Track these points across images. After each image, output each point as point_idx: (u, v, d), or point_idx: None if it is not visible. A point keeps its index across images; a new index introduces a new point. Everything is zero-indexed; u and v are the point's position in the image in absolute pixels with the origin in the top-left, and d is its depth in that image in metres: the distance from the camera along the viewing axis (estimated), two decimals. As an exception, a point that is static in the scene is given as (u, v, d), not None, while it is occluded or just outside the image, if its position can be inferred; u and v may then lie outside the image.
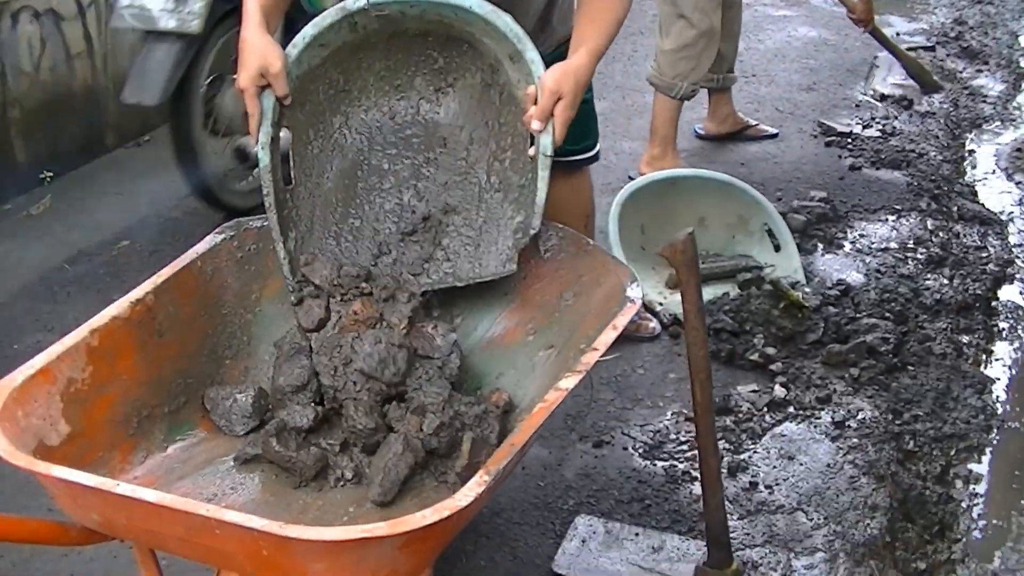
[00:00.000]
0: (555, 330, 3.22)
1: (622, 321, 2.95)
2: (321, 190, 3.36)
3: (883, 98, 7.69)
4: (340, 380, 3.11)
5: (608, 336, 2.90)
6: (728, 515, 3.56)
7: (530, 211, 3.21)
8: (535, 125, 3.11)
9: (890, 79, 7.44)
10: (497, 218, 3.32)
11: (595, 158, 4.17)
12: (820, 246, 5.71)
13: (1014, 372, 5.13)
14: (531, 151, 3.18)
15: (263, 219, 3.36)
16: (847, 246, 5.74)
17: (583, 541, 3.66)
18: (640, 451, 4.19)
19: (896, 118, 7.43)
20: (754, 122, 7.14)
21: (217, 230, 3.34)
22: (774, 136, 7.07)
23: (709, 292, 5.05)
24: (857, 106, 7.66)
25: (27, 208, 6.05)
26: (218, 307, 3.28)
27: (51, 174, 6.34)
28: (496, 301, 3.37)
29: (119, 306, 3.02)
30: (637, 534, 3.71)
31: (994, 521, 4.22)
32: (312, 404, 3.13)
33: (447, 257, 3.36)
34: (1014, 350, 5.30)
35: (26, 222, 5.95)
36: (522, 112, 3.18)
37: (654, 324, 4.94)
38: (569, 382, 2.76)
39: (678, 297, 4.92)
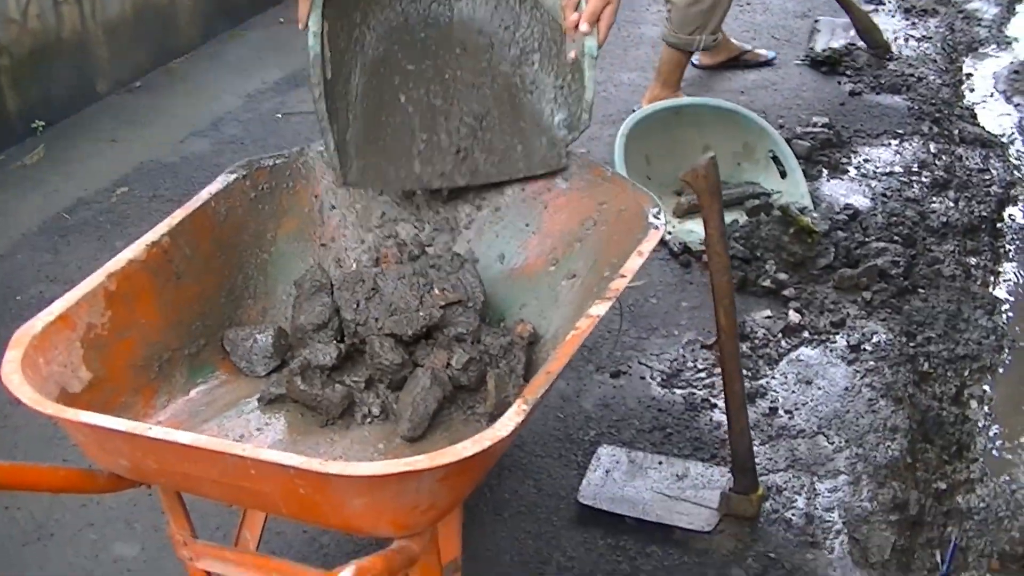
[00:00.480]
0: (577, 259, 3.20)
1: (647, 247, 2.92)
2: (351, 87, 3.35)
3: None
4: (363, 315, 3.10)
5: (635, 263, 2.87)
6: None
7: (576, 107, 3.22)
8: (583, 27, 3.12)
9: (833, 42, 7.23)
10: (536, 118, 3.31)
11: None
12: (825, 172, 5.67)
13: (1021, 291, 5.11)
14: (571, 55, 3.19)
15: (275, 157, 3.37)
16: (852, 171, 5.70)
17: (607, 471, 3.65)
18: (658, 380, 4.18)
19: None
20: (749, 47, 7.09)
21: (229, 169, 3.30)
22: (771, 62, 7.02)
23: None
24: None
25: (20, 159, 5.99)
26: (234, 248, 3.25)
27: (43, 123, 6.28)
28: (517, 231, 3.35)
29: (135, 249, 2.97)
30: (660, 462, 3.69)
31: (1009, 439, 4.21)
32: (335, 342, 3.11)
33: (488, 155, 3.36)
34: (1021, 271, 5.28)
35: (20, 172, 5.89)
36: (544, 15, 3.18)
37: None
38: (600, 308, 2.74)
39: (687, 225, 4.96)
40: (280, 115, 6.52)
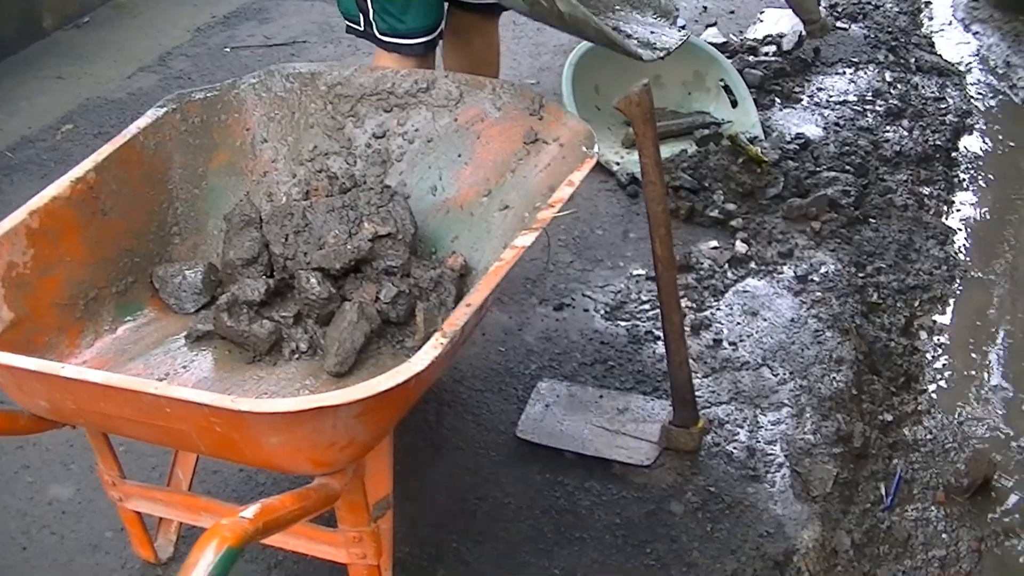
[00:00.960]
0: (510, 189, 3.16)
1: (578, 176, 2.89)
2: None
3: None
4: (291, 249, 3.07)
5: (564, 192, 2.84)
6: (693, 373, 3.52)
7: None
8: None
9: (775, 30, 6.94)
10: None
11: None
12: (778, 101, 5.61)
13: (974, 221, 5.08)
14: None
15: (206, 90, 3.34)
16: (805, 100, 5.64)
17: (546, 406, 3.61)
18: (602, 312, 4.13)
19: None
20: None
21: (158, 103, 3.27)
22: None
23: (667, 150, 4.98)
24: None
25: (-35, 97, 5.90)
26: (163, 183, 3.20)
27: (-12, 61, 6.18)
28: (450, 162, 3.31)
29: (59, 185, 2.93)
30: (601, 396, 3.65)
31: (958, 371, 4.19)
32: (264, 277, 3.06)
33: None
34: (974, 200, 5.25)
35: (-36, 110, 5.81)
36: None
37: None
38: (525, 239, 2.70)
39: (635, 156, 4.89)
40: (228, 48, 6.44)
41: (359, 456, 2.47)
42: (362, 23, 3.91)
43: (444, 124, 3.31)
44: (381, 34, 3.87)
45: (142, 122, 3.19)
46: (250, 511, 2.08)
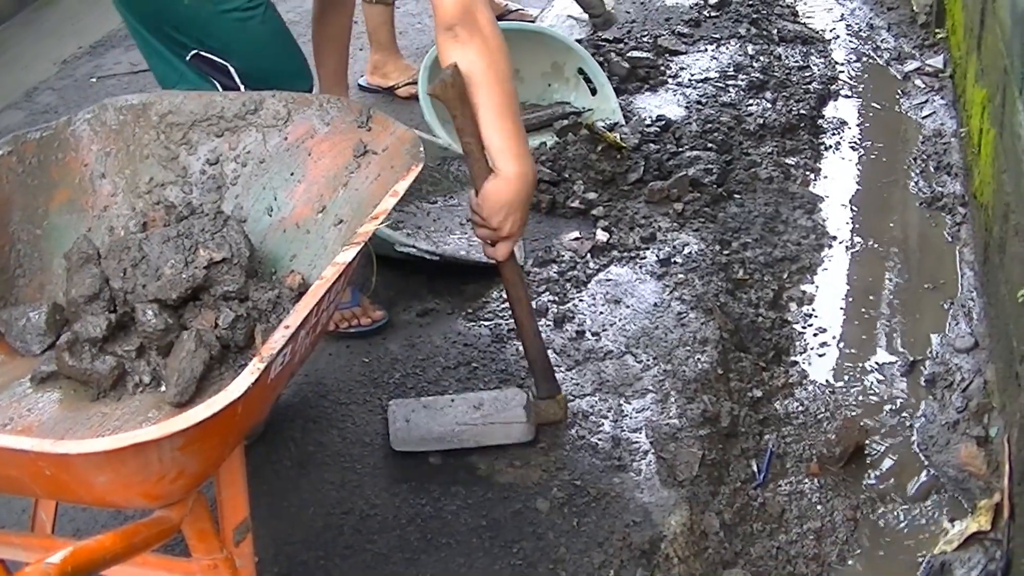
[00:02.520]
0: (343, 204, 3.15)
1: (403, 186, 2.88)
2: None
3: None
4: (130, 282, 3.03)
5: (387, 203, 2.83)
6: (556, 367, 3.55)
7: None
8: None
9: (567, 11, 6.90)
10: None
11: None
12: (639, 84, 5.62)
13: (841, 187, 5.12)
14: None
15: (41, 129, 3.30)
16: (669, 81, 5.66)
17: (407, 420, 3.59)
18: (464, 314, 4.13)
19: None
20: (515, 7, 6.61)
21: (-8, 148, 3.23)
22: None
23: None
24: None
25: None
26: (4, 226, 3.16)
27: None
28: (283, 181, 3.29)
29: None
30: (453, 400, 3.63)
31: (830, 339, 4.22)
32: (105, 312, 3.04)
33: None
34: (840, 165, 5.29)
35: None
36: None
37: (381, 313, 4.13)
38: (347, 255, 2.69)
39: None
40: (95, 79, 6.40)
41: (195, 486, 2.45)
42: None
43: (275, 144, 3.30)
44: None
45: (-23, 166, 3.17)
46: (57, 557, 2.06)
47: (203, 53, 3.61)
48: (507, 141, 3.15)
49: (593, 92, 5.27)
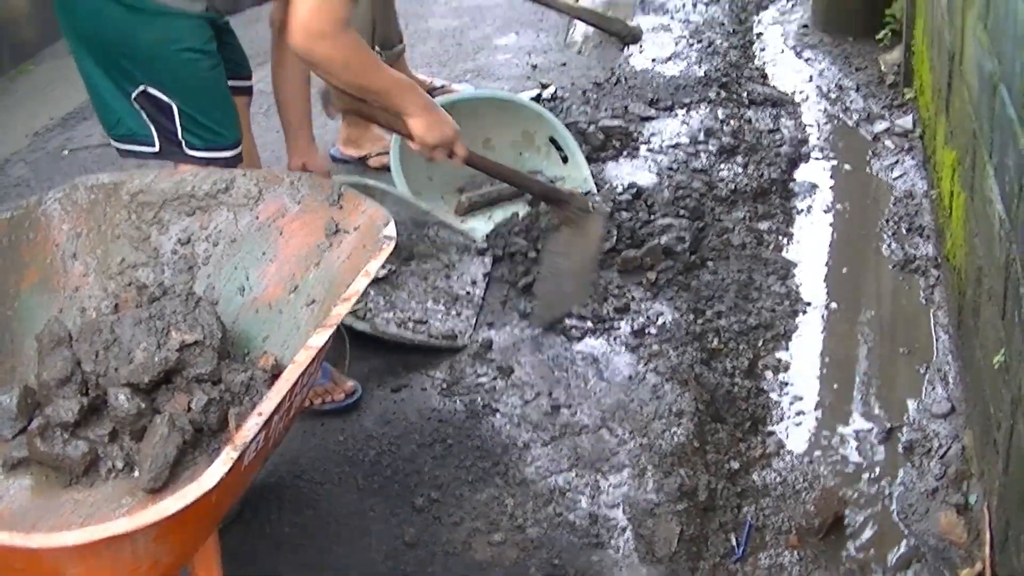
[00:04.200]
0: (315, 283, 3.16)
1: (374, 265, 2.89)
2: None
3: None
4: (102, 365, 3.02)
5: (360, 284, 2.83)
6: (531, 443, 3.52)
7: None
8: None
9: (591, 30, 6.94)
10: None
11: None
12: (612, 152, 5.62)
13: (814, 251, 5.12)
14: None
15: (13, 208, 3.31)
16: (641, 148, 5.66)
17: None
18: (439, 390, 4.11)
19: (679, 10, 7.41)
20: (441, 83, 6.42)
21: (-37, 228, 3.22)
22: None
23: (499, 214, 5.06)
24: (640, 2, 7.63)
25: None
26: (-27, 306, 3.15)
27: None
28: (255, 260, 3.30)
29: None
30: None
31: (807, 408, 4.19)
32: (78, 396, 3.01)
33: None
34: (813, 230, 5.28)
35: None
36: None
37: (352, 384, 4.12)
38: (319, 339, 2.68)
39: (468, 223, 4.91)
40: (67, 151, 6.37)
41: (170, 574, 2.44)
42: (157, 142, 3.69)
43: (246, 223, 3.30)
44: (193, 150, 3.67)
45: (-53, 252, 3.15)
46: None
47: (150, 90, 3.59)
48: (396, 99, 3.82)
49: (564, 161, 5.26)
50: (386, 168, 5.16)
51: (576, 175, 5.19)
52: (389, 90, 3.79)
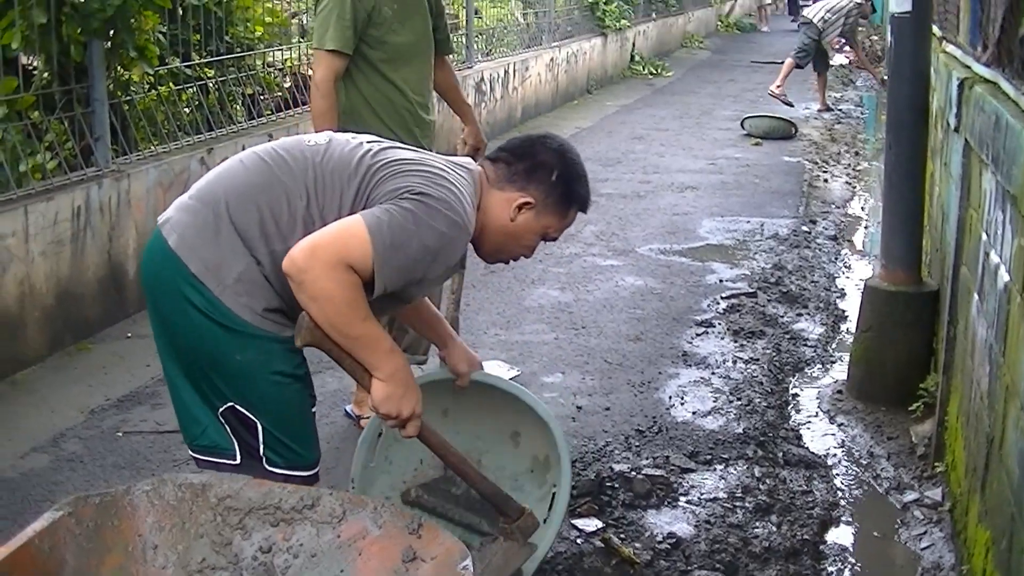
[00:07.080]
0: (391, 608, 3.27)
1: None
2: None
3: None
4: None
5: (439, 617, 2.97)
6: None
7: None
8: None
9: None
10: None
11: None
12: (654, 500, 5.81)
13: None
14: None
15: (101, 494, 3.45)
16: (680, 499, 5.84)
17: None
18: None
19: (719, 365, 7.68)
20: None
21: (55, 506, 3.36)
22: None
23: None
24: (684, 355, 7.93)
25: None
26: (56, 585, 3.28)
27: None
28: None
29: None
30: None
31: None
32: None
33: None
34: (844, 596, 5.42)
35: None
36: None
37: None
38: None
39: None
40: (121, 433, 6.54)
41: None
42: (238, 456, 3.88)
43: (327, 540, 3.44)
44: (274, 467, 3.88)
45: (38, 525, 3.28)
46: None
47: (238, 407, 3.81)
48: (368, 354, 3.77)
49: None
50: None
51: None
52: (365, 342, 3.75)
